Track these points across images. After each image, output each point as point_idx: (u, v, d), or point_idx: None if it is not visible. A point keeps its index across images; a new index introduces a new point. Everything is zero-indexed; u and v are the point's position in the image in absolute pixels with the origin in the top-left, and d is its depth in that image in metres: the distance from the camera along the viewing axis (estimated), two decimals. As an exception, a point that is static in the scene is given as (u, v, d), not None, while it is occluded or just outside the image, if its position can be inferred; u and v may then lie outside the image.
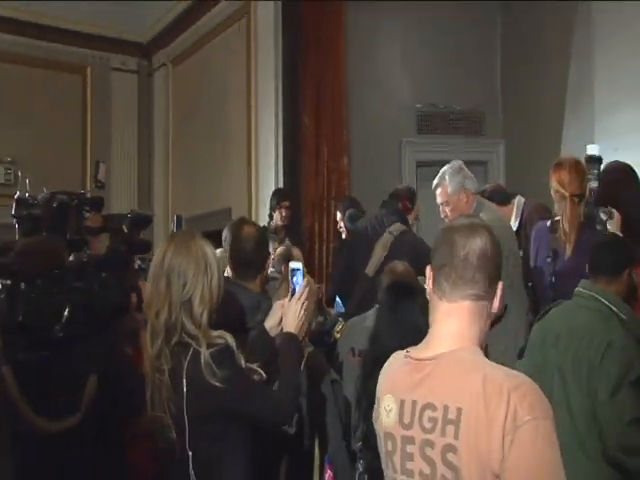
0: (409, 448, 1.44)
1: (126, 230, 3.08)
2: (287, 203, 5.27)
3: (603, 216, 3.33)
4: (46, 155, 7.57)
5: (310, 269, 4.67)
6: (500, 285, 1.48)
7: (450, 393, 1.38)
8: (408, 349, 1.54)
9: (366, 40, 6.59)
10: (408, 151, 6.84)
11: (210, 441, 1.97)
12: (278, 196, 5.36)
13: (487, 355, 1.47)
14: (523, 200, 4.53)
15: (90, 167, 7.28)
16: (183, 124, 8.06)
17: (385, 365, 1.62)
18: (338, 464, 2.68)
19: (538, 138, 6.29)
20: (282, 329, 2.20)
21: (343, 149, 6.15)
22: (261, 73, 6.42)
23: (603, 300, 2.61)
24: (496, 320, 3.22)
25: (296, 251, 4.13)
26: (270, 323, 2.29)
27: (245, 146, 6.68)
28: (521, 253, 3.76)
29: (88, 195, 3.15)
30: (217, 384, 1.89)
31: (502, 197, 4.49)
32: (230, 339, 1.98)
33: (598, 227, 3.31)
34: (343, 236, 5.09)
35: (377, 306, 3.39)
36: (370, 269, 4.09)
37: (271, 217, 5.28)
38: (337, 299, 4.53)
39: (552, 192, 3.50)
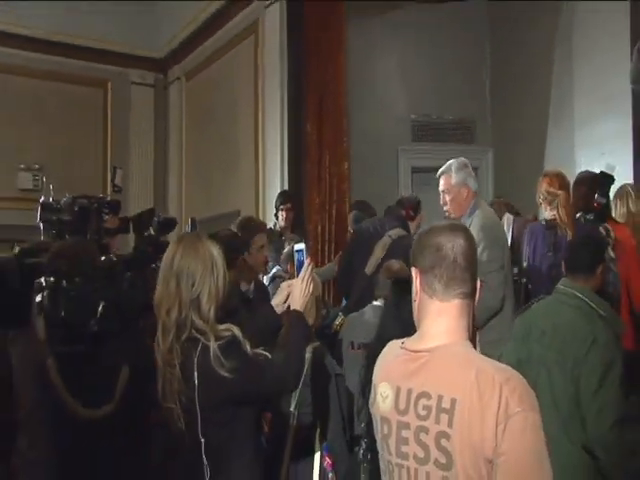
0: (404, 433, 1.44)
1: (153, 232, 3.08)
2: (289, 205, 5.19)
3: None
4: (69, 162, 7.59)
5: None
6: (479, 283, 1.50)
7: (444, 384, 1.38)
8: (403, 340, 1.54)
9: (365, 56, 6.62)
10: (404, 158, 6.89)
11: (219, 427, 1.97)
12: (280, 199, 5.30)
13: (475, 345, 1.47)
14: (512, 217, 4.49)
15: (110, 173, 7.30)
16: (196, 133, 8.07)
17: (380, 355, 1.61)
18: (336, 452, 2.68)
19: (524, 145, 6.37)
20: (289, 307, 2.20)
21: (344, 156, 6.13)
22: (267, 86, 6.42)
23: (583, 297, 2.60)
24: (494, 314, 3.25)
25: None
26: (276, 301, 2.30)
27: (253, 153, 6.68)
28: (515, 270, 3.69)
29: (107, 199, 3.14)
30: (226, 374, 1.88)
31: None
32: (236, 330, 1.98)
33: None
34: None
35: (374, 302, 3.42)
36: (369, 268, 4.08)
37: (277, 217, 5.24)
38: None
39: (542, 197, 3.52)
